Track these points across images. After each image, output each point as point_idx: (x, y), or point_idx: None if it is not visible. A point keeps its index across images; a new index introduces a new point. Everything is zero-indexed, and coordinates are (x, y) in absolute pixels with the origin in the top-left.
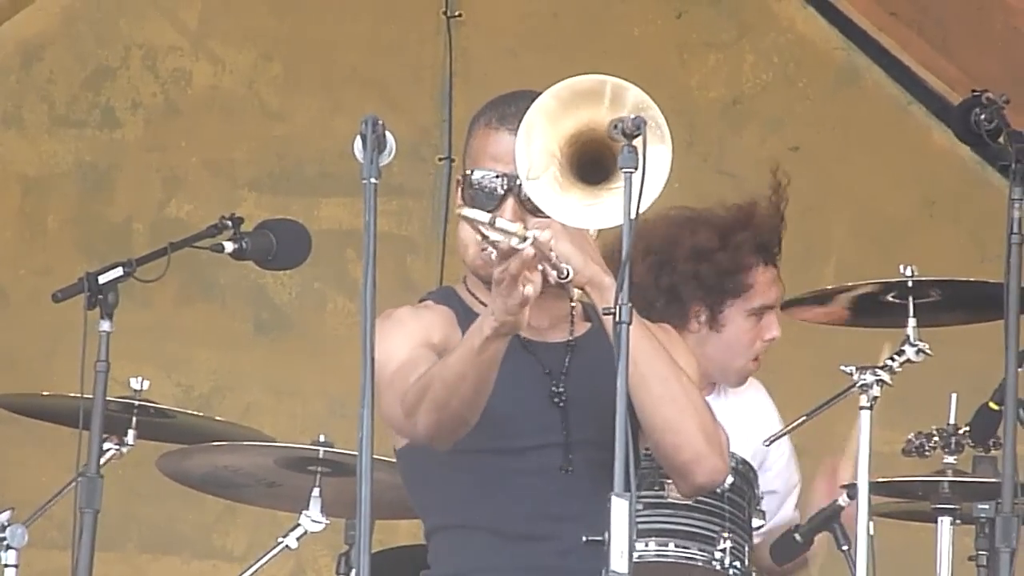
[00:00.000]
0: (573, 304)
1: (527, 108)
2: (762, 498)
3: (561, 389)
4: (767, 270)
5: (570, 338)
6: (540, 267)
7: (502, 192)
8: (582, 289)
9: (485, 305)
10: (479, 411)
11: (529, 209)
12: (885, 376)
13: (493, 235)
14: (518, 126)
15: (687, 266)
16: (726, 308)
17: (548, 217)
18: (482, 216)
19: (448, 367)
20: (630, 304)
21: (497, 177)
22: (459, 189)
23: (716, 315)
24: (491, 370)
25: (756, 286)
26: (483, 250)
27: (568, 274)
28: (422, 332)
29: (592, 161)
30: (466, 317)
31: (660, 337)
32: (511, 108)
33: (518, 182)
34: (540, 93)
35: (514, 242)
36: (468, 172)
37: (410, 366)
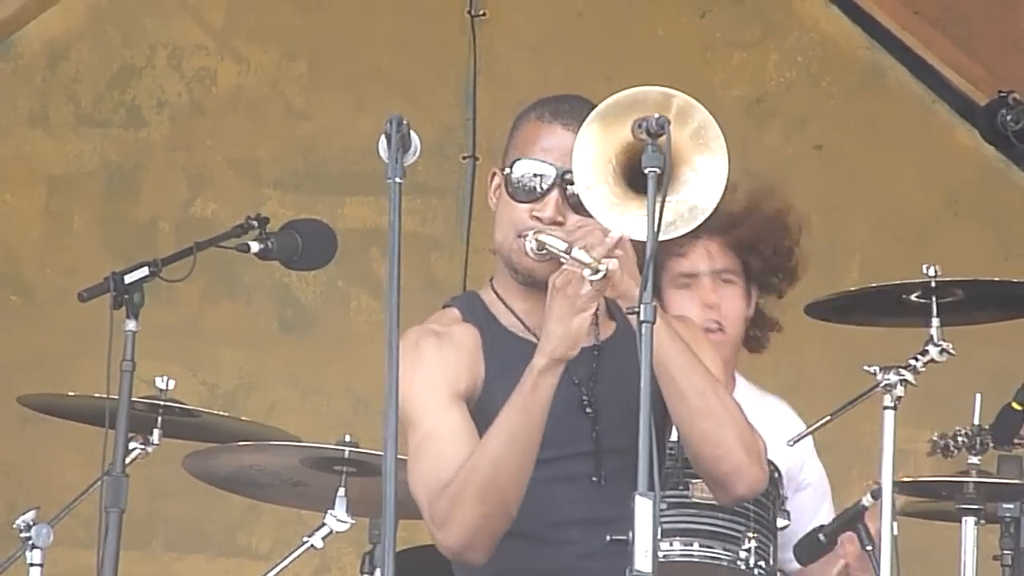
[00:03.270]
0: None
1: (580, 107)
2: (786, 498)
3: (591, 399)
4: (691, 241)
5: (596, 343)
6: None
7: (548, 185)
8: (613, 299)
9: (512, 311)
10: (524, 485)
11: (572, 205)
12: (909, 376)
13: (566, 261)
14: (571, 123)
15: None
16: (662, 291)
17: (590, 216)
18: (559, 244)
19: (492, 435)
20: (654, 303)
21: (545, 169)
22: (494, 180)
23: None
24: (543, 414)
25: (671, 260)
26: (542, 251)
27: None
28: (448, 383)
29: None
30: (491, 332)
31: (684, 335)
32: (564, 105)
33: (566, 176)
34: (588, 100)
35: (586, 272)
36: (513, 162)
37: (435, 446)
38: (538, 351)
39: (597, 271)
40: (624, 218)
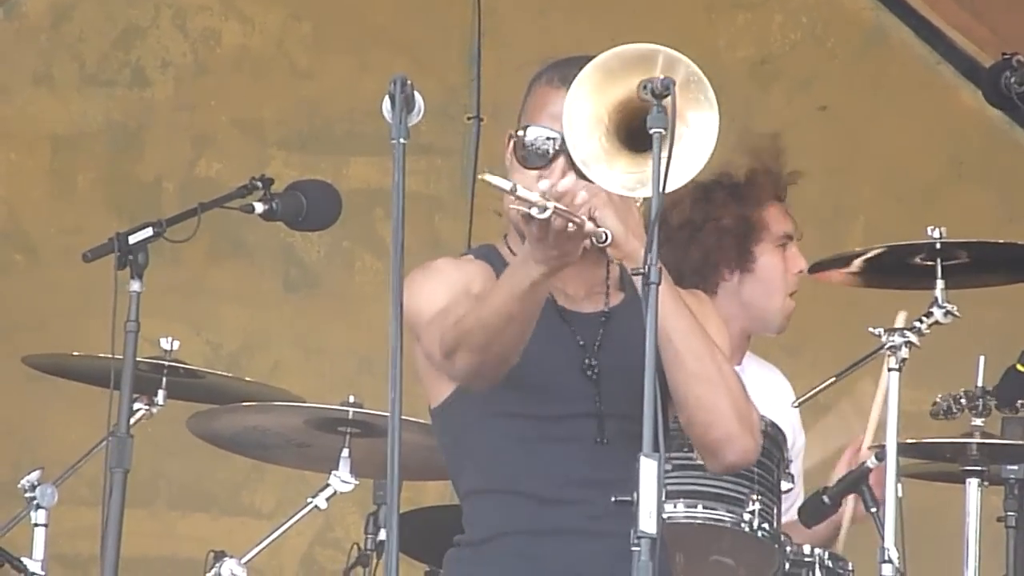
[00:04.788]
0: (611, 268)
1: None
2: (791, 461)
3: (594, 362)
4: (776, 204)
5: (605, 308)
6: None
7: (554, 151)
8: (620, 263)
9: None
10: (521, 349)
11: (579, 171)
12: (913, 338)
13: (516, 204)
14: None
15: (711, 231)
16: (753, 248)
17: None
18: (504, 184)
19: (491, 308)
20: (659, 265)
21: (550, 139)
22: (510, 144)
23: (746, 259)
24: (538, 308)
25: (771, 219)
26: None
27: (606, 238)
28: (463, 280)
29: (639, 129)
30: None
31: (692, 306)
32: (574, 70)
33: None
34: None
35: (534, 211)
36: (523, 128)
37: (451, 307)
38: (530, 263)
39: (544, 208)
40: (612, 173)
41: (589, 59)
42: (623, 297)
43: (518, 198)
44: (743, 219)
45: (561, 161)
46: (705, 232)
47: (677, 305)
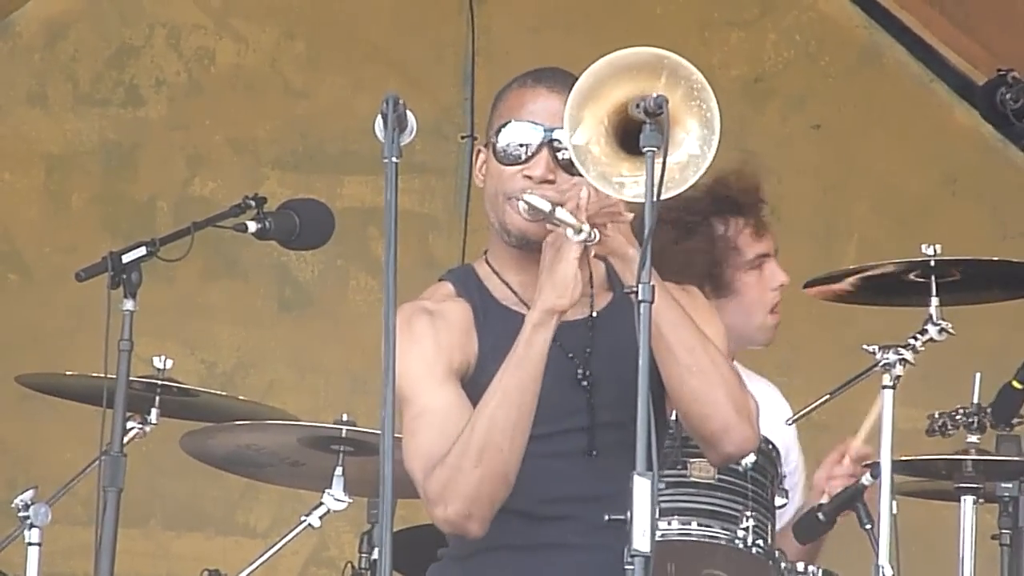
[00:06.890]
0: (596, 268)
1: (563, 73)
2: (784, 476)
3: (587, 372)
4: (747, 223)
5: (592, 314)
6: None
7: (537, 145)
8: (605, 259)
9: (507, 284)
10: (521, 447)
11: (562, 165)
12: (908, 355)
13: (549, 223)
14: (556, 86)
15: (680, 253)
16: (725, 271)
17: (580, 176)
18: (544, 205)
19: (487, 396)
20: (652, 283)
21: (533, 130)
22: (479, 157)
23: (719, 282)
24: (538, 370)
25: (741, 239)
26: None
27: (595, 237)
28: (442, 359)
29: (637, 132)
30: (484, 307)
31: (685, 302)
32: (547, 72)
33: (554, 137)
34: (570, 72)
35: (569, 232)
36: (500, 128)
37: (430, 422)
38: (532, 306)
39: (580, 231)
40: (609, 178)
41: (558, 68)
42: (610, 298)
43: (556, 219)
44: (712, 243)
45: (545, 154)
46: (675, 253)
47: (664, 299)
